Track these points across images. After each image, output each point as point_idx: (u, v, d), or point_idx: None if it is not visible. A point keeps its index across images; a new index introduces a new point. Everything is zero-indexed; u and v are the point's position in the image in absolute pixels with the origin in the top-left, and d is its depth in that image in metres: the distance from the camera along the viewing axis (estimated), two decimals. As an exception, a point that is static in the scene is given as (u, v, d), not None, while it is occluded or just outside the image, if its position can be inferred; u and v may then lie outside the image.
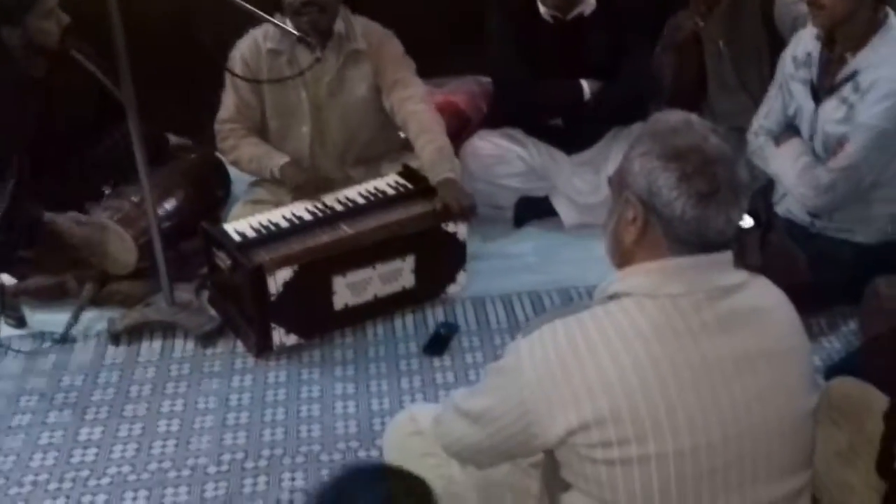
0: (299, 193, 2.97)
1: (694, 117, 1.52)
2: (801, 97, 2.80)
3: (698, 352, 1.41)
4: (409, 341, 2.87)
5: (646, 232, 1.47)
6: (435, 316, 2.97)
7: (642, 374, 1.39)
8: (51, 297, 3.03)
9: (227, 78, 3.08)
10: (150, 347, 2.88)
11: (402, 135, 3.22)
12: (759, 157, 2.94)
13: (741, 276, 1.50)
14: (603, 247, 1.59)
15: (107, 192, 3.17)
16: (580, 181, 3.27)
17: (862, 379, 2.04)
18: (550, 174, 3.33)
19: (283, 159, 3.04)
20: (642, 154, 1.46)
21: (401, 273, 2.87)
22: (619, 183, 1.52)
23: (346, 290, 2.80)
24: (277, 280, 2.66)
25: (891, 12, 2.62)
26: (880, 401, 1.86)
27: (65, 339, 2.90)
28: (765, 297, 1.54)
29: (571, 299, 2.99)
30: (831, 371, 2.52)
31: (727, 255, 1.49)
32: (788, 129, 2.90)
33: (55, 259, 3.01)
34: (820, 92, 2.73)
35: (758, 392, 1.45)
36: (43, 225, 2.95)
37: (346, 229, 2.84)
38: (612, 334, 1.41)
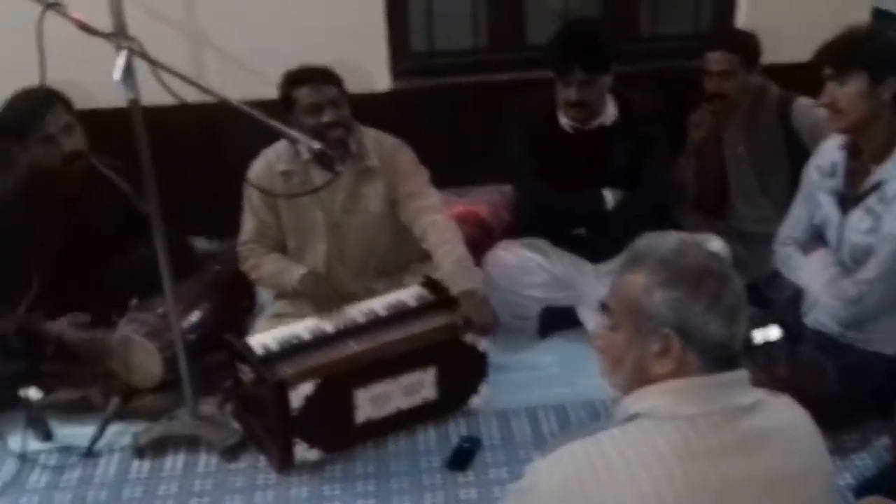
0: (319, 306, 2.98)
1: (683, 236, 1.55)
2: (828, 207, 2.79)
3: (717, 474, 1.40)
4: (431, 455, 2.83)
5: (684, 360, 1.47)
6: (458, 429, 2.93)
7: (661, 497, 1.37)
8: (76, 410, 3.03)
9: (246, 201, 3.13)
10: (174, 462, 2.86)
11: (422, 244, 3.22)
12: (786, 266, 2.92)
13: (757, 394, 1.50)
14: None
15: (133, 304, 3.20)
16: (606, 291, 3.23)
17: (892, 498, 2.00)
18: (575, 284, 3.32)
19: (301, 270, 3.06)
20: (659, 284, 1.47)
21: (422, 385, 2.85)
22: (633, 317, 1.51)
23: (368, 404, 2.78)
24: (299, 394, 2.65)
25: (915, 122, 2.60)
26: (910, 520, 1.83)
27: (90, 453, 2.89)
28: (784, 416, 1.52)
29: (598, 413, 2.94)
30: (861, 489, 2.49)
31: (743, 374, 1.50)
32: (816, 238, 2.88)
33: (81, 373, 3.04)
34: (846, 202, 2.71)
35: None
36: (47, 338, 3.02)
37: (368, 342, 2.84)
38: (630, 456, 1.40)
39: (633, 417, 1.48)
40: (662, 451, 1.40)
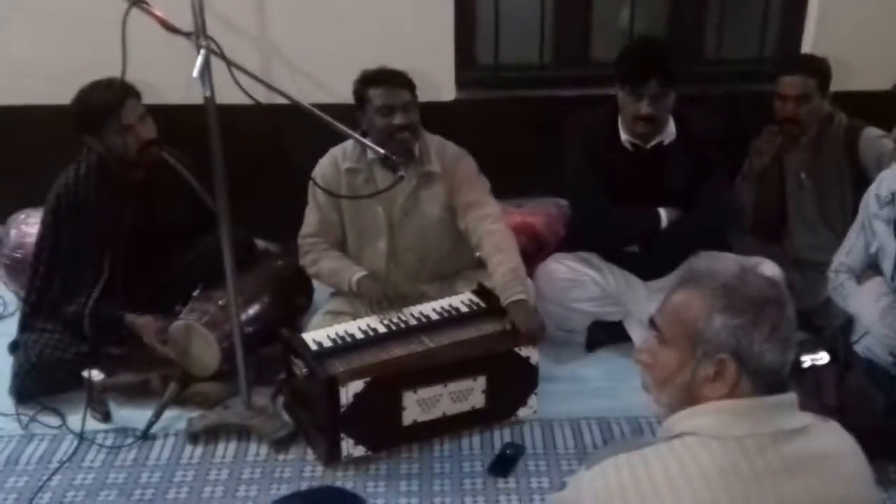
0: (376, 308, 3.05)
1: (740, 260, 1.56)
2: (884, 236, 2.78)
3: (762, 496, 1.40)
4: (474, 460, 2.87)
5: (737, 385, 1.48)
6: (502, 435, 2.97)
7: None
8: (136, 394, 3.14)
9: (310, 195, 3.22)
10: (225, 449, 2.94)
11: (476, 253, 3.28)
12: (839, 294, 2.92)
13: (806, 419, 1.50)
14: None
15: (196, 294, 3.31)
16: (655, 308, 3.23)
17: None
18: (625, 300, 3.34)
19: (360, 273, 3.14)
20: (721, 310, 1.47)
21: (471, 393, 2.89)
22: (689, 339, 1.51)
23: (416, 406, 2.83)
24: (349, 391, 2.72)
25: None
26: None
27: (146, 436, 2.99)
28: (832, 442, 1.52)
29: (641, 428, 2.96)
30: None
31: (792, 397, 1.50)
32: (871, 267, 2.87)
33: (142, 357, 3.15)
34: (903, 231, 2.70)
35: None
36: (122, 325, 3.13)
37: (418, 345, 2.89)
38: (675, 474, 1.41)
39: (679, 435, 1.48)
40: (708, 471, 1.40)
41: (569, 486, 1.54)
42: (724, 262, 1.55)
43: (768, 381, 1.48)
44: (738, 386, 1.48)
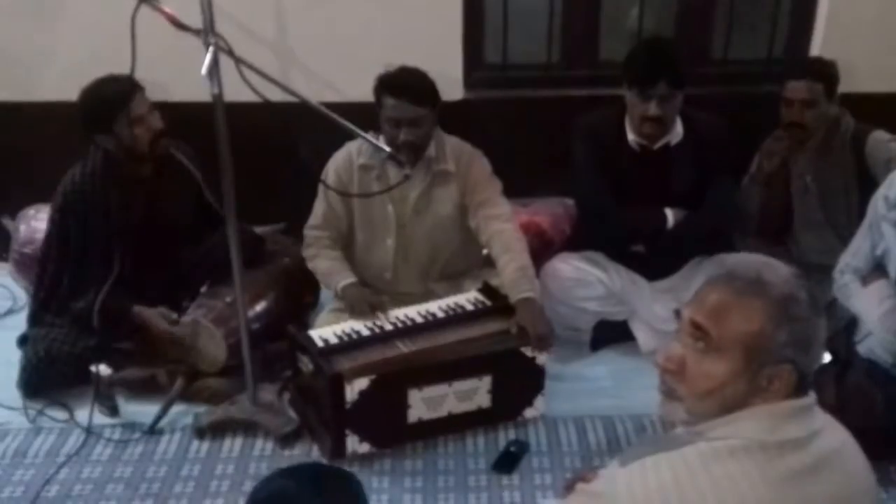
0: (352, 312, 3.07)
1: (773, 262, 1.55)
2: (891, 239, 2.77)
3: (800, 496, 1.42)
4: (478, 457, 2.88)
5: (790, 391, 1.48)
6: (506, 433, 2.98)
7: None
8: (143, 389, 3.15)
9: (320, 187, 3.22)
10: (232, 444, 2.97)
11: (484, 252, 3.29)
12: (843, 295, 2.92)
13: (820, 416, 1.52)
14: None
15: (203, 290, 3.33)
16: (660, 308, 3.26)
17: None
18: (630, 299, 3.35)
19: (347, 280, 3.16)
20: (787, 322, 1.45)
21: (477, 392, 2.90)
22: (747, 350, 1.47)
23: (422, 405, 2.85)
24: (354, 388, 2.73)
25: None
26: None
27: (153, 431, 3.01)
28: (839, 437, 1.54)
29: (644, 427, 2.97)
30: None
31: (814, 397, 1.52)
32: (876, 269, 2.87)
33: (150, 352, 3.17)
34: (910, 234, 2.70)
35: None
36: (130, 317, 3.15)
37: (424, 343, 2.90)
38: (720, 477, 1.40)
39: (722, 438, 1.46)
40: (752, 476, 1.40)
41: (599, 479, 1.53)
42: (775, 269, 1.48)
43: (802, 384, 1.49)
44: (790, 391, 1.47)
